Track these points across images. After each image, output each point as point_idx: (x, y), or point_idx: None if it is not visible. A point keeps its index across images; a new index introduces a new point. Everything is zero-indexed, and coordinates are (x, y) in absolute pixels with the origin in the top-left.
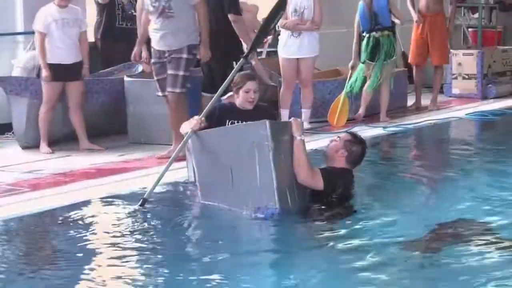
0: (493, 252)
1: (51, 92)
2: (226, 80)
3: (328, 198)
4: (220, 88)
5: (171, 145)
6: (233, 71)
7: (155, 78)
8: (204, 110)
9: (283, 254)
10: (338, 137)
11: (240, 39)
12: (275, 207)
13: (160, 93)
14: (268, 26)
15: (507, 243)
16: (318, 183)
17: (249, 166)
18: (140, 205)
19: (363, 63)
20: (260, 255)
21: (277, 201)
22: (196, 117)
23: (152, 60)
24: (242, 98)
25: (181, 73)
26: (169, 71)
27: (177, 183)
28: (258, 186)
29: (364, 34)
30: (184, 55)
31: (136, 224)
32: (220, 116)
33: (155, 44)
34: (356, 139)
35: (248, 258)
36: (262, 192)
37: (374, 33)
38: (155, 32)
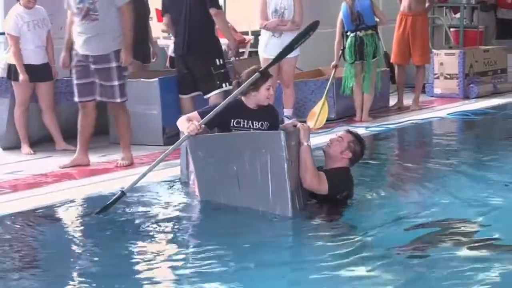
0: (479, 252)
1: (24, 93)
2: (239, 90)
3: (328, 198)
4: (231, 96)
5: (152, 145)
6: (246, 83)
7: (75, 82)
8: (206, 117)
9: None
10: (340, 137)
11: (222, 33)
12: (289, 215)
13: (77, 99)
14: (295, 43)
15: (491, 242)
16: (323, 188)
17: (259, 173)
18: (117, 197)
19: (351, 63)
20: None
21: (291, 209)
22: (195, 122)
23: (73, 63)
24: (263, 95)
25: (115, 83)
26: (101, 82)
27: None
28: (270, 194)
29: (348, 33)
30: (113, 64)
31: (119, 224)
32: (224, 115)
33: (79, 48)
34: (358, 139)
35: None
36: (275, 200)
37: (358, 32)
38: (79, 35)
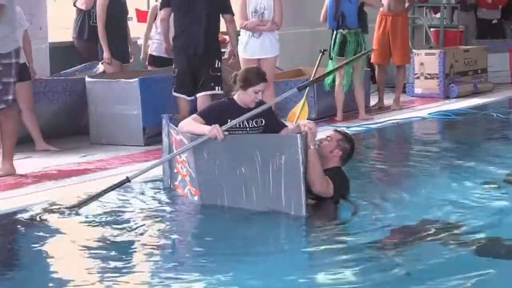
0: (454, 250)
1: None
2: (272, 102)
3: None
4: (263, 107)
5: (132, 146)
6: (285, 94)
7: None
8: (228, 124)
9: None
10: (329, 137)
11: (231, 40)
12: (303, 214)
13: None
14: (344, 65)
15: (469, 241)
16: (330, 191)
17: (271, 176)
18: (121, 182)
19: (331, 59)
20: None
21: (304, 211)
22: (219, 128)
23: None
24: (249, 97)
25: None
26: None
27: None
28: (283, 196)
29: (331, 30)
30: None
31: (99, 226)
32: (220, 115)
33: None
34: (347, 137)
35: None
36: (288, 202)
37: (341, 30)
38: None
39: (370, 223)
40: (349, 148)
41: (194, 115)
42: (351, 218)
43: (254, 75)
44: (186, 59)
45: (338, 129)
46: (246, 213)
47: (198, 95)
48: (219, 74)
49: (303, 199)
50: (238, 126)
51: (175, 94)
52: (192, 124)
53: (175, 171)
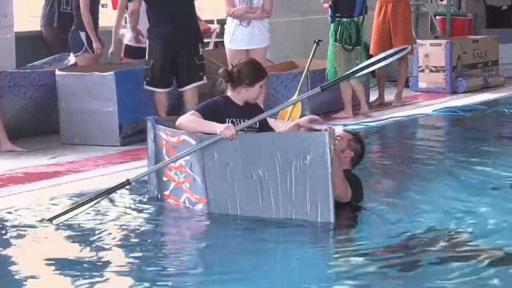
0: (462, 262)
1: None
2: (295, 100)
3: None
4: (284, 105)
5: (108, 146)
6: (304, 95)
7: None
8: (242, 124)
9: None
10: (339, 136)
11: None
12: (331, 221)
13: None
14: (371, 65)
15: (478, 253)
16: (348, 196)
17: (293, 178)
18: (121, 184)
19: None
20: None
21: (333, 217)
22: (232, 128)
23: None
24: (256, 92)
25: None
26: None
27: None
28: (307, 200)
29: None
30: None
31: (70, 240)
32: (218, 115)
33: None
34: (358, 137)
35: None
36: (313, 207)
37: (338, 19)
38: None
39: (380, 230)
40: (360, 149)
41: (193, 112)
42: (367, 225)
43: (260, 69)
44: (166, 48)
45: (347, 128)
46: (247, 222)
47: (186, 87)
48: (203, 62)
49: (332, 203)
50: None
51: (149, 88)
52: (199, 122)
53: (166, 179)
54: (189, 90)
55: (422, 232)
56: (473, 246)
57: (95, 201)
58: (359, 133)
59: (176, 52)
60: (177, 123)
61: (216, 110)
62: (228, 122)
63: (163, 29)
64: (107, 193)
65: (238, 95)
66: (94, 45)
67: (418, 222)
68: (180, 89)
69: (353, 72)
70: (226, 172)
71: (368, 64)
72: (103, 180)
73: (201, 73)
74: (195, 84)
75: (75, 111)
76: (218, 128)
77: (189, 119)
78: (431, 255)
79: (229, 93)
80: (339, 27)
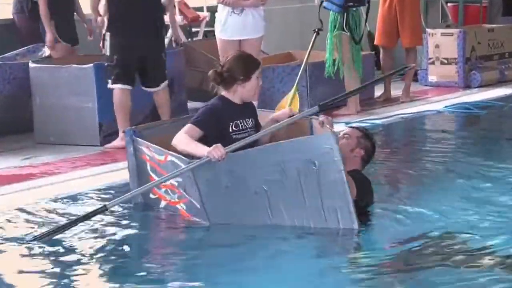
0: (477, 271)
1: None
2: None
3: None
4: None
5: (87, 145)
6: (300, 115)
7: None
8: (233, 145)
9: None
10: (346, 134)
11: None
12: (355, 227)
13: None
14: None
15: (494, 261)
16: (353, 194)
17: (303, 186)
18: (98, 210)
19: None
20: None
21: (356, 221)
22: (222, 149)
23: None
24: (254, 86)
25: None
26: None
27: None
28: (323, 208)
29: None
30: None
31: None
32: (222, 121)
33: None
34: (367, 134)
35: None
36: (332, 215)
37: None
38: None
39: (383, 234)
40: (371, 146)
41: (190, 126)
42: (377, 229)
43: (251, 60)
44: (132, 43)
45: (354, 125)
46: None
47: (157, 88)
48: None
49: (352, 207)
50: (241, 128)
51: (114, 86)
52: (188, 143)
53: (154, 196)
54: (163, 92)
55: (434, 237)
56: (488, 253)
57: (69, 227)
58: (367, 129)
59: (143, 50)
60: (172, 143)
61: (220, 117)
62: (233, 126)
63: (124, 23)
64: (83, 218)
65: (234, 94)
66: (46, 36)
67: (428, 226)
68: (151, 90)
69: (352, 92)
70: (225, 194)
71: (367, 84)
72: (81, 184)
73: (166, 71)
74: (165, 84)
75: (51, 107)
76: (205, 150)
77: (179, 138)
78: (443, 261)
79: (224, 93)
80: (348, 15)
